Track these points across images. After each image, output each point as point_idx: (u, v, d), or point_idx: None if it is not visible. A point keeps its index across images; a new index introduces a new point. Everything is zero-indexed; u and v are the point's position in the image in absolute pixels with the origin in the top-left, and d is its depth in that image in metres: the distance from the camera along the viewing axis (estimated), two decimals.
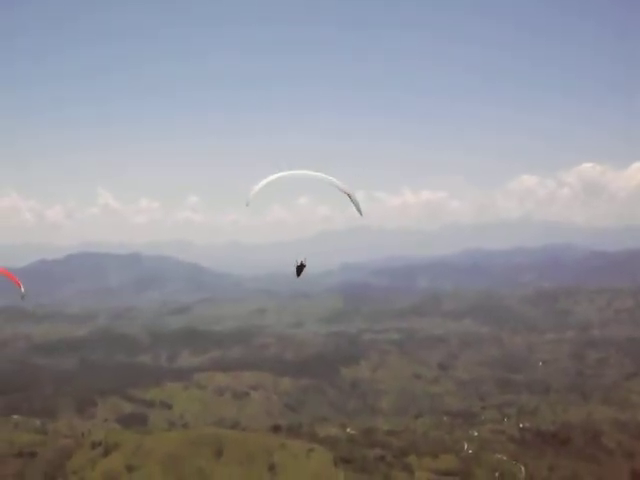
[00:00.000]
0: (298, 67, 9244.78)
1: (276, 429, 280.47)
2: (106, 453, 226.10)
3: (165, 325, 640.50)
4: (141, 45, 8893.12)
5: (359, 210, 60.15)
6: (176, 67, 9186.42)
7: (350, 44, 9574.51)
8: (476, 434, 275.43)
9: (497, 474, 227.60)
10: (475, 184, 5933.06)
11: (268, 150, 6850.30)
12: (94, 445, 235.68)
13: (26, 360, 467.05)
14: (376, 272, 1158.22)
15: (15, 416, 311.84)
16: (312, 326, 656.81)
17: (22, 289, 69.76)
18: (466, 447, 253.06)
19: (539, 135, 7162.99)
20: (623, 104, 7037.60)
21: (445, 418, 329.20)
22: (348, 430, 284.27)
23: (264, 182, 57.24)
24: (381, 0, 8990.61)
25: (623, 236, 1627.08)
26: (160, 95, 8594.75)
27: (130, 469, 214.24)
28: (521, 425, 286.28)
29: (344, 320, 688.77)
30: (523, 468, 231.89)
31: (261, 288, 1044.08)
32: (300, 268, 69.90)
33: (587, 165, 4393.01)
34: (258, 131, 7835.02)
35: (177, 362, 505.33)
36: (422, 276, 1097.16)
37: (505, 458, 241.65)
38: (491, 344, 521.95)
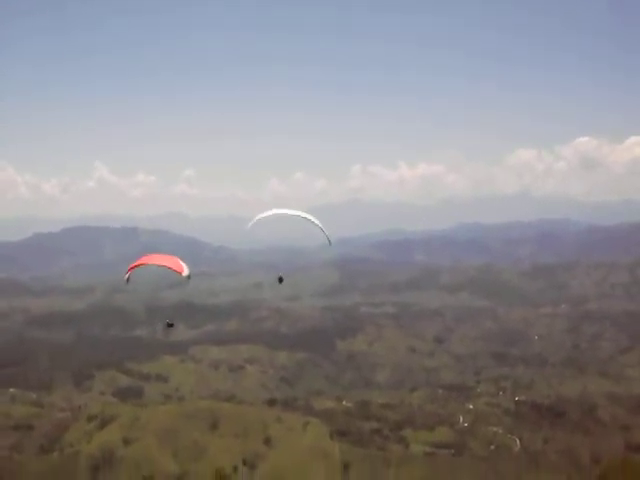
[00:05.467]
0: (295, 45, 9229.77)
1: (272, 402, 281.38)
2: (102, 426, 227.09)
3: (161, 299, 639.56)
4: (138, 22, 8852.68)
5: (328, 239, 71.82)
6: (172, 43, 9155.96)
7: (346, 23, 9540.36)
8: (471, 407, 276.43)
9: (492, 447, 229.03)
10: (472, 158, 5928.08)
11: (264, 125, 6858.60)
12: (90, 418, 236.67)
13: (23, 333, 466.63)
14: (373, 246, 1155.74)
15: (12, 389, 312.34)
16: (309, 300, 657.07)
17: (185, 272, 68.36)
18: (461, 420, 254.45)
19: (536, 109, 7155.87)
20: (619, 78, 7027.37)
21: (440, 391, 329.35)
22: (344, 403, 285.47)
23: (266, 214, 70.16)
24: None
25: (619, 210, 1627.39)
26: (156, 70, 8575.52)
27: (126, 442, 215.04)
28: (517, 398, 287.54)
29: (341, 294, 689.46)
30: (518, 441, 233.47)
31: (258, 262, 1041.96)
32: (280, 279, 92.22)
33: (583, 139, 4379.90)
34: (254, 106, 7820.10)
35: (173, 336, 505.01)
36: (419, 250, 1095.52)
37: (500, 431, 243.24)
38: (487, 318, 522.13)
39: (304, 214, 68.73)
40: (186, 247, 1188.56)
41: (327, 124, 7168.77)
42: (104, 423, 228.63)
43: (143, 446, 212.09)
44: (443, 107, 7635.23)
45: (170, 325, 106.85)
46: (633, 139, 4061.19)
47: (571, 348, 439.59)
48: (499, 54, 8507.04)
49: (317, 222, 69.10)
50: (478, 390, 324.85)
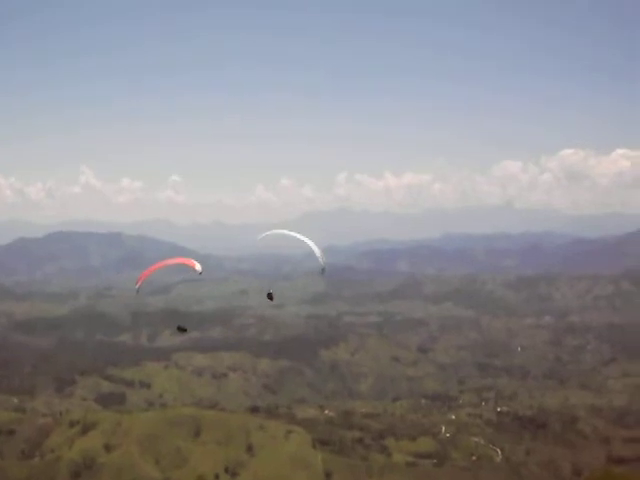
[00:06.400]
0: (283, 50, 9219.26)
1: (254, 410, 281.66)
2: (84, 432, 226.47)
3: (146, 305, 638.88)
4: (124, 26, 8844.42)
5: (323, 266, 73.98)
6: (159, 48, 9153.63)
7: (333, 28, 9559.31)
8: (454, 417, 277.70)
9: (474, 457, 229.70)
10: (458, 168, 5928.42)
11: (250, 131, 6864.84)
12: (72, 424, 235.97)
13: (6, 338, 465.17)
14: (359, 255, 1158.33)
15: None
16: (293, 308, 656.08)
17: (197, 267, 70.80)
18: (444, 430, 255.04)
19: (523, 119, 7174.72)
20: (606, 89, 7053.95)
21: (423, 401, 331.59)
22: (326, 412, 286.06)
23: (274, 232, 76.22)
24: None
25: (604, 223, 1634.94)
26: (143, 75, 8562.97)
27: (108, 448, 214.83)
28: (499, 409, 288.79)
29: (325, 302, 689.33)
30: (500, 452, 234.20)
31: (244, 269, 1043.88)
32: (270, 296, 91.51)
33: (569, 151, 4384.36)
34: (240, 112, 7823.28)
35: (157, 342, 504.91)
36: (404, 260, 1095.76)
37: (482, 442, 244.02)
38: (471, 328, 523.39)
39: (309, 242, 71.61)
40: (171, 254, 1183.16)
41: (313, 130, 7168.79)
42: (86, 429, 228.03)
43: (125, 452, 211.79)
44: (429, 115, 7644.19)
45: (183, 330, 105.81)
46: (620, 151, 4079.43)
47: (553, 360, 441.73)
48: (485, 60, 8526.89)
49: (318, 252, 71.43)
50: (461, 401, 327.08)
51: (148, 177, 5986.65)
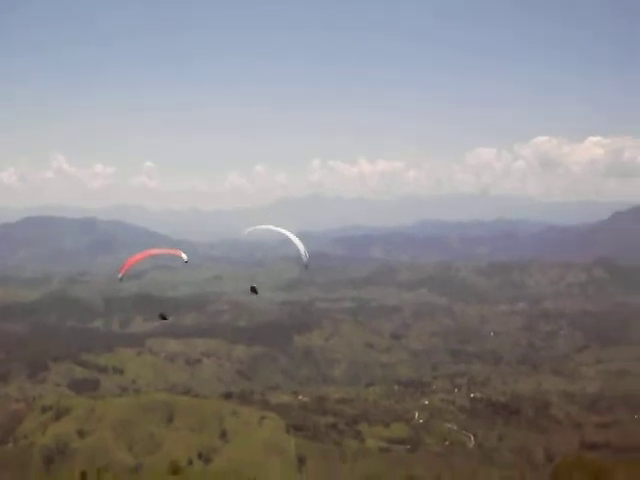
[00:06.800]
0: (255, 40, 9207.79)
1: (228, 396, 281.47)
2: (57, 418, 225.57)
3: (119, 290, 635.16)
4: (100, 20, 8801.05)
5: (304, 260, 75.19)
6: (133, 40, 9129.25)
7: (308, 18, 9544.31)
8: (427, 403, 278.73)
9: (447, 443, 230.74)
10: (432, 155, 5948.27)
11: (224, 118, 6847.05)
12: (45, 409, 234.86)
13: None
14: (332, 241, 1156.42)
15: None
16: (267, 294, 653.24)
17: (183, 256, 70.45)
18: (417, 416, 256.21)
19: (496, 106, 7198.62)
20: (579, 77, 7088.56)
21: (397, 387, 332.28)
22: (300, 398, 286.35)
23: (260, 227, 76.36)
24: None
25: (577, 210, 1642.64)
26: (116, 63, 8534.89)
27: (81, 434, 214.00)
28: (472, 395, 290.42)
29: (299, 289, 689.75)
30: (473, 437, 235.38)
31: (217, 255, 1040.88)
32: (254, 289, 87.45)
33: (542, 138, 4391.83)
34: (213, 100, 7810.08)
35: (130, 328, 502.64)
36: (378, 246, 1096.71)
37: (455, 427, 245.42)
38: (444, 315, 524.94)
39: (292, 236, 72.98)
40: (145, 239, 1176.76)
41: (286, 117, 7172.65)
42: (59, 415, 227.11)
43: (98, 438, 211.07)
44: (403, 103, 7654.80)
45: (164, 318, 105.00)
46: (593, 139, 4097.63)
47: (527, 346, 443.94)
48: (459, 48, 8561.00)
49: (301, 247, 72.90)
50: (434, 386, 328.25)
51: (122, 163, 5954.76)
